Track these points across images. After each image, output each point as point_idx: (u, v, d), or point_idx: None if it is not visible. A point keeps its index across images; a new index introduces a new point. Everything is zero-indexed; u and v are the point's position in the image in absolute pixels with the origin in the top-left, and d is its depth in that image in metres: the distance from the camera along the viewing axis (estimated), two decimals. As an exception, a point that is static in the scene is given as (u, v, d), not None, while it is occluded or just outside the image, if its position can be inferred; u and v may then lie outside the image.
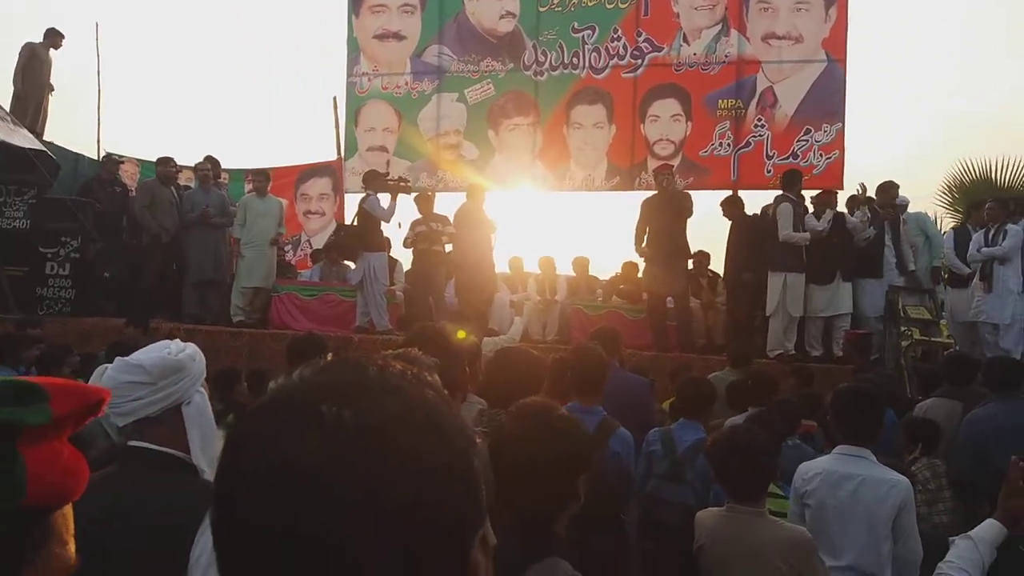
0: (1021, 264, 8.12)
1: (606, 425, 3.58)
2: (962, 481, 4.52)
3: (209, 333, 8.35)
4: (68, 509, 0.90)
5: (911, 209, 9.14)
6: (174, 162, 9.75)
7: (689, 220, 8.86)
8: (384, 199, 8.97)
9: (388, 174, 10.01)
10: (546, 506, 1.72)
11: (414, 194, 9.29)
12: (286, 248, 11.70)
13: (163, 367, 1.96)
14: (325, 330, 8.43)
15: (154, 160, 9.88)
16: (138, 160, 11.76)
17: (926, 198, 8.83)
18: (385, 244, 9.26)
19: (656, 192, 9.15)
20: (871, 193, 8.68)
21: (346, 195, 11.92)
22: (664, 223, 8.70)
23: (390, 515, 0.56)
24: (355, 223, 9.43)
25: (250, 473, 0.58)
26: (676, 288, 8.73)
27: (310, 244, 12.04)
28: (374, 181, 9.17)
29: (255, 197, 9.39)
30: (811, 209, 8.37)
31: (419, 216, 9.14)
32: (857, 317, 8.32)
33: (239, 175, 11.33)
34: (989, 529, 2.30)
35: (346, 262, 10.04)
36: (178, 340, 2.15)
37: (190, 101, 31.67)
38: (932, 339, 8.44)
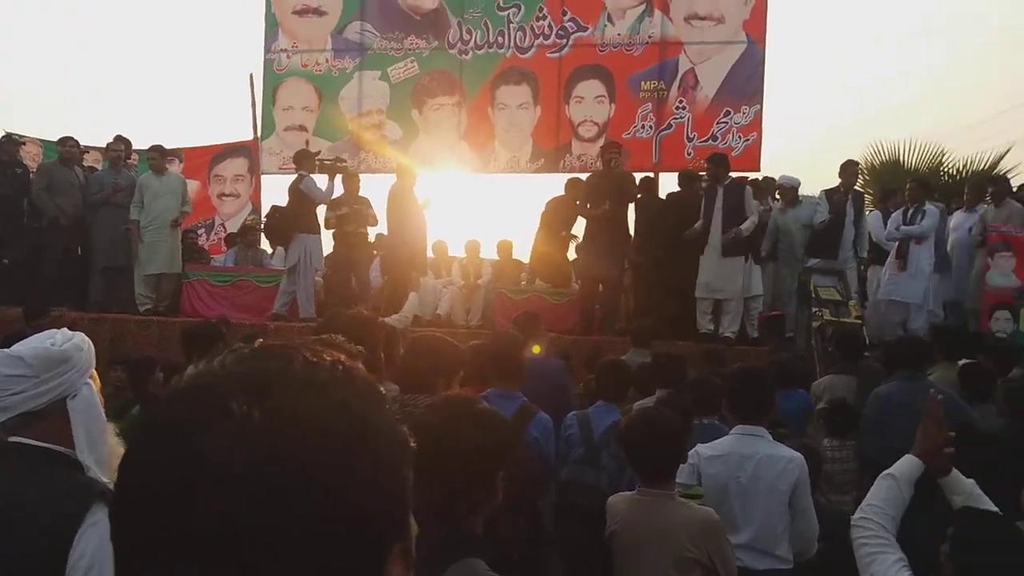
0: (935, 245, 8.49)
1: (525, 411, 3.58)
2: (868, 457, 4.69)
3: (116, 322, 8.03)
4: None
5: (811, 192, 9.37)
6: (75, 141, 9.26)
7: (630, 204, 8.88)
8: (320, 180, 8.73)
9: (319, 153, 9.77)
10: (463, 503, 1.67)
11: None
12: (199, 232, 11.30)
13: (46, 359, 1.85)
14: (239, 318, 8.22)
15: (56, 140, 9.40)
16: (41, 141, 11.14)
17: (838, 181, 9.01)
18: (318, 226, 8.98)
19: (600, 170, 9.08)
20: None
21: (263, 176, 11.59)
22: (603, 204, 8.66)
23: (297, 521, 0.52)
24: (288, 205, 9.02)
25: (156, 465, 0.54)
26: (611, 274, 8.74)
27: (224, 228, 11.63)
28: (307, 161, 8.90)
29: (152, 176, 8.86)
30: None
31: (341, 195, 8.93)
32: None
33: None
34: (908, 465, 2.34)
35: (270, 247, 9.78)
36: (65, 329, 2.03)
37: (98, 79, 30.27)
38: (841, 319, 8.74)
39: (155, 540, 0.52)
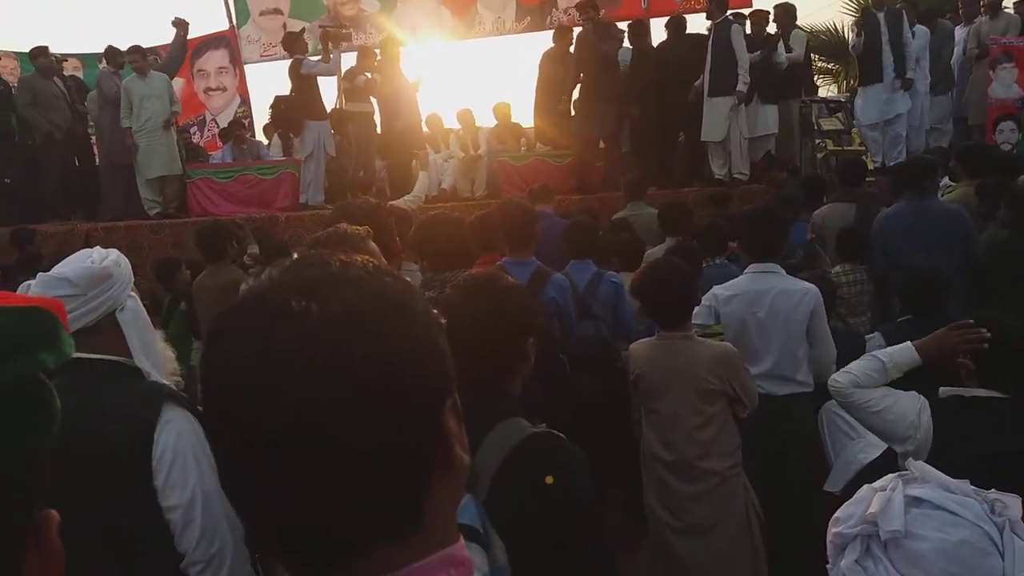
0: (932, 64, 8.30)
1: (540, 274, 3.68)
2: (877, 276, 4.82)
3: (129, 229, 8.08)
4: None
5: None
6: (48, 51, 8.99)
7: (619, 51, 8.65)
8: (316, 59, 8.47)
9: (303, 31, 9.47)
10: (498, 370, 1.80)
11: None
12: (192, 130, 11.14)
13: (89, 277, 1.92)
14: (248, 212, 8.25)
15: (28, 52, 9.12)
16: (15, 53, 10.80)
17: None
18: (326, 112, 8.74)
19: (580, 32, 8.79)
20: None
21: (245, 65, 11.29)
22: (593, 66, 8.45)
23: (366, 390, 0.61)
24: (292, 92, 8.73)
25: (230, 364, 0.63)
26: (606, 130, 8.63)
27: (216, 123, 11.46)
28: (297, 43, 8.59)
29: (136, 79, 8.53)
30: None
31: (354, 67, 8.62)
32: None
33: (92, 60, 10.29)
34: (902, 355, 2.39)
35: (266, 138, 9.61)
36: (98, 247, 2.10)
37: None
38: (844, 148, 8.70)
39: (249, 428, 0.61)
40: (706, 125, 8.10)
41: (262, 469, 0.62)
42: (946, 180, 5.95)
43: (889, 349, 2.48)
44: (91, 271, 1.93)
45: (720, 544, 2.97)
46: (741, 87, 7.84)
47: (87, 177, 9.22)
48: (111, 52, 8.96)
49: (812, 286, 3.40)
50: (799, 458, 3.26)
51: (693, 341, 3.05)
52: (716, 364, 2.95)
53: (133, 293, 2.04)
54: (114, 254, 2.04)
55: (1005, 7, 8.76)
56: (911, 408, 2.27)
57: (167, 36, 9.51)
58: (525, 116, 9.77)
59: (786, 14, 8.73)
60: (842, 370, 2.47)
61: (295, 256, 0.71)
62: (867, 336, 3.82)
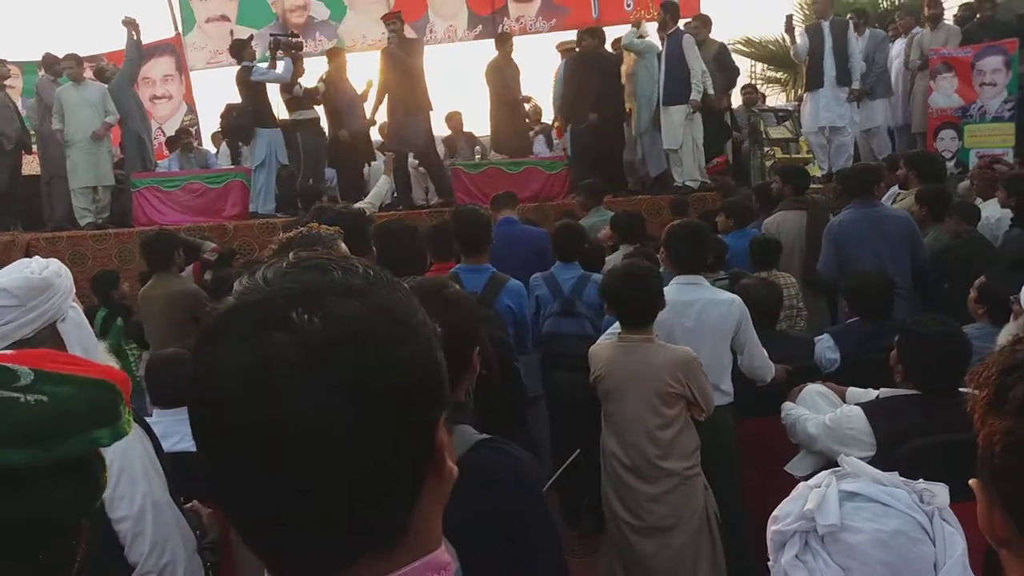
0: (876, 73, 8.57)
1: (495, 281, 3.70)
2: (829, 281, 4.95)
3: (72, 239, 7.87)
4: None
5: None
6: None
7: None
8: (263, 66, 8.36)
9: (252, 39, 9.34)
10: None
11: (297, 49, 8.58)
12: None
13: (28, 288, 1.88)
14: (195, 221, 8.11)
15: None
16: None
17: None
18: (276, 119, 8.57)
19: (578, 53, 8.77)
20: None
21: (192, 73, 11.12)
22: (597, 87, 8.47)
23: (365, 406, 0.61)
24: (242, 101, 8.49)
25: (227, 371, 0.61)
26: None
27: (163, 131, 11.26)
28: (244, 50, 8.45)
29: (71, 87, 8.27)
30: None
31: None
32: None
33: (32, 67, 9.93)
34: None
35: (214, 147, 9.44)
36: (38, 257, 2.06)
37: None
38: (792, 156, 8.90)
39: (243, 437, 0.61)
40: (664, 133, 8.22)
41: (254, 476, 0.61)
42: (895, 188, 6.12)
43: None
44: (30, 282, 1.88)
45: (680, 543, 3.03)
46: (695, 96, 7.98)
47: (30, 186, 8.96)
48: (48, 60, 8.74)
49: (736, 297, 3.49)
50: (721, 466, 3.32)
51: (655, 344, 3.10)
52: (676, 367, 3.01)
53: (75, 303, 2.00)
54: (54, 264, 1.99)
55: (944, 19, 9.06)
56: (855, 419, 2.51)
57: (110, 43, 9.29)
58: (477, 126, 9.80)
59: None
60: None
61: (292, 256, 0.69)
62: (816, 338, 3.91)
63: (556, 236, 4.57)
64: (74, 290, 2.02)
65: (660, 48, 8.21)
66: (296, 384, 0.60)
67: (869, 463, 1.20)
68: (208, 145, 10.96)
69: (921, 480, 1.13)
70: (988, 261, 4.40)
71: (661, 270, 3.52)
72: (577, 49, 8.69)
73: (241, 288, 0.66)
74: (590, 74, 8.42)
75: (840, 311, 4.93)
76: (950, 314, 2.93)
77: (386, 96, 8.31)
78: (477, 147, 9.99)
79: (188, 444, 2.25)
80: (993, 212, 5.26)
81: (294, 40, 8.54)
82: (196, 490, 2.03)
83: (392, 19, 8.49)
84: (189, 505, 2.04)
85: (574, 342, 3.97)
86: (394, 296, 0.67)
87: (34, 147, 9.08)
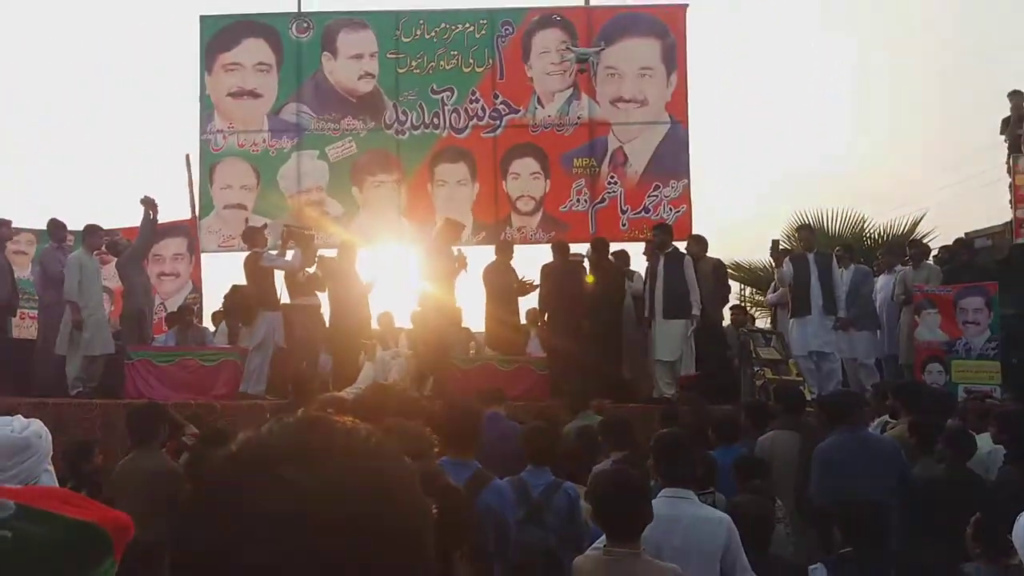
0: (860, 305, 8.91)
1: (478, 478, 3.59)
2: (820, 510, 4.78)
3: (57, 406, 7.74)
4: None
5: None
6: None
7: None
8: (274, 252, 8.65)
9: (266, 227, 9.75)
10: None
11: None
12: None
13: (8, 446, 1.84)
14: (184, 398, 8.02)
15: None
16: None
17: (767, 244, 9.40)
18: (279, 303, 8.82)
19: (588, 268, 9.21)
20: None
21: (203, 255, 11.48)
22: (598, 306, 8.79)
23: (333, 570, 0.60)
24: (248, 283, 8.84)
25: (215, 522, 0.62)
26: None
27: (164, 307, 11.44)
28: (257, 236, 8.83)
29: (84, 254, 8.58)
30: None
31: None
32: None
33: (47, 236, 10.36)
34: None
35: (213, 326, 9.52)
36: (19, 416, 2.02)
37: (34, 160, 29.71)
38: (783, 377, 8.99)
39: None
40: (659, 345, 8.37)
41: None
42: (885, 417, 6.13)
43: None
44: (10, 440, 1.85)
45: None
46: (696, 311, 8.32)
47: (20, 350, 8.96)
48: (54, 226, 9.05)
49: (725, 516, 3.38)
50: None
51: (642, 560, 2.93)
52: None
53: (49, 467, 1.94)
54: (35, 424, 1.96)
55: (926, 260, 9.58)
56: None
57: (126, 219, 9.66)
58: (473, 323, 10.00)
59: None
60: None
61: (300, 414, 0.70)
62: (811, 567, 3.75)
63: (527, 437, 4.40)
64: (51, 453, 1.97)
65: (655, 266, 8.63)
66: (274, 543, 0.59)
67: None
68: (208, 323, 11.09)
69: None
70: (980, 500, 4.32)
71: (652, 483, 3.43)
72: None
73: (244, 440, 0.67)
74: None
75: (833, 539, 4.77)
76: (941, 542, 2.85)
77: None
78: (472, 343, 10.13)
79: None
80: (985, 445, 5.23)
81: (307, 233, 8.91)
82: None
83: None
84: None
85: (531, 553, 3.73)
86: (391, 465, 0.66)
87: (29, 311, 9.19)
